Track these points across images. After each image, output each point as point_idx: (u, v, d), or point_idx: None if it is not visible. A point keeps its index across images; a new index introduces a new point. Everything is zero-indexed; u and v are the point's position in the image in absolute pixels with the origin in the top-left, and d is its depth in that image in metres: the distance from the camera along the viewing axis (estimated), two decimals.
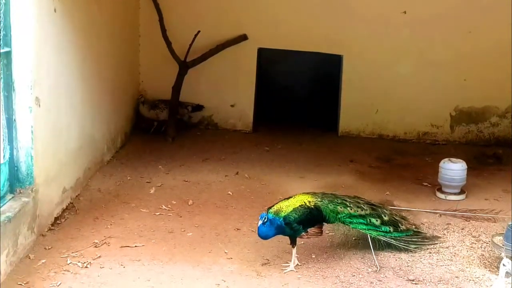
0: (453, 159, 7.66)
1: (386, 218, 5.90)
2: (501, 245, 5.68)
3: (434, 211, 7.11)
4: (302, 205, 5.59)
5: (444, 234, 6.50)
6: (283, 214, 5.48)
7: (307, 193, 5.85)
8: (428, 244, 6.15)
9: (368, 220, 5.79)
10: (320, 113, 11.09)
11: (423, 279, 5.55)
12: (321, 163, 8.75)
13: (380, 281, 5.50)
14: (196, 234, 6.31)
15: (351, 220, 5.75)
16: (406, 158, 9.20)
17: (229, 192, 7.49)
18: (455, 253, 6.07)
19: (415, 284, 5.48)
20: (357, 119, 10.21)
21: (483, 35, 9.70)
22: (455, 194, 7.58)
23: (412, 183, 8.10)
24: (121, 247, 5.92)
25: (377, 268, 5.65)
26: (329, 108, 10.69)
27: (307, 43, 9.99)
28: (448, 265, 5.83)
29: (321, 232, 5.78)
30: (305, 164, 8.67)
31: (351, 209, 5.76)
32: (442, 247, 6.17)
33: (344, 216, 5.72)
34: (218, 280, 5.39)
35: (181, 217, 6.72)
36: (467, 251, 6.13)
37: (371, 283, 5.47)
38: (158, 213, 6.77)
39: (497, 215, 6.96)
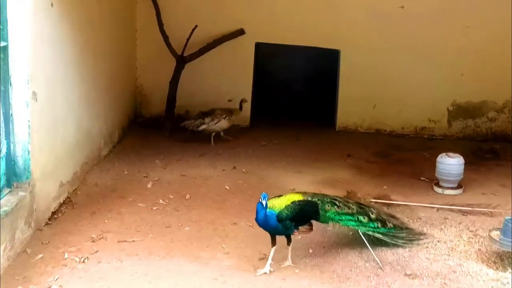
0: (450, 154, 7.67)
1: (373, 216, 5.95)
2: (498, 239, 5.69)
3: (431, 205, 7.12)
4: (294, 201, 5.58)
5: (442, 228, 6.50)
6: (276, 211, 5.46)
7: (298, 192, 5.86)
8: (417, 240, 6.15)
9: (356, 217, 5.84)
10: (317, 108, 11.09)
11: (421, 274, 5.55)
12: (319, 158, 8.76)
13: (377, 275, 5.50)
14: (193, 229, 6.31)
15: (340, 218, 5.79)
16: (404, 153, 9.20)
17: (227, 187, 7.48)
18: (452, 248, 6.07)
19: (412, 278, 5.48)
20: (355, 114, 10.22)
21: (481, 30, 9.71)
22: (452, 188, 7.60)
23: (410, 178, 8.11)
24: (119, 241, 5.91)
25: (380, 265, 5.65)
26: (326, 103, 10.69)
27: (304, 37, 9.99)
28: (445, 260, 5.83)
29: (311, 229, 5.77)
30: (302, 159, 8.67)
31: (338, 208, 5.79)
32: (440, 241, 6.18)
33: (333, 213, 5.75)
34: (216, 275, 5.39)
35: (178, 211, 6.72)
36: (464, 245, 6.14)
37: (368, 277, 5.47)
38: (156, 208, 6.77)
39: (494, 209, 6.97)
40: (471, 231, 6.47)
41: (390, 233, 5.98)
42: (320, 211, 5.69)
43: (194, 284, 5.24)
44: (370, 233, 5.86)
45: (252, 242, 6.00)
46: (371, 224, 5.87)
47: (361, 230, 5.83)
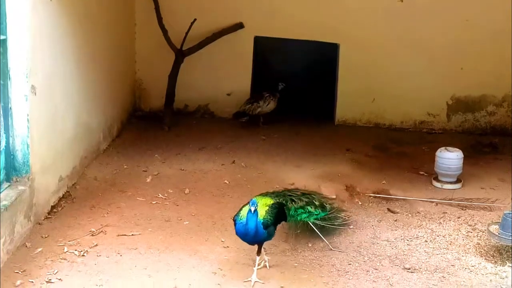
0: (449, 148, 7.67)
1: (317, 203, 6.02)
2: (497, 233, 5.71)
3: (430, 200, 7.13)
4: (270, 205, 5.43)
5: (440, 223, 6.52)
6: (260, 218, 5.20)
7: (262, 196, 5.72)
8: (345, 218, 6.32)
9: (306, 209, 5.89)
10: (316, 102, 11.07)
11: (419, 268, 5.58)
12: (318, 152, 8.75)
13: (376, 269, 5.52)
14: (192, 223, 6.31)
15: (297, 212, 5.84)
16: (403, 147, 9.20)
17: (226, 181, 7.49)
18: (451, 242, 6.09)
19: (411, 272, 5.50)
20: (354, 108, 10.20)
21: (480, 24, 9.68)
22: (451, 183, 7.60)
23: (409, 172, 8.11)
24: (118, 235, 5.92)
25: (330, 248, 5.83)
26: (325, 97, 10.67)
27: (303, 31, 9.96)
28: (444, 254, 5.85)
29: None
30: (301, 153, 8.66)
31: (295, 203, 5.84)
32: (439, 236, 6.20)
33: (293, 210, 5.80)
34: (215, 269, 5.41)
35: (177, 205, 6.73)
36: (463, 239, 6.16)
37: (367, 271, 5.49)
38: (155, 202, 6.77)
39: (493, 204, 6.99)
40: (469, 225, 6.48)
41: (327, 215, 6.06)
42: (286, 211, 5.70)
43: (193, 278, 5.26)
44: (317, 222, 5.92)
45: None
46: (315, 212, 5.94)
47: (310, 221, 5.89)
